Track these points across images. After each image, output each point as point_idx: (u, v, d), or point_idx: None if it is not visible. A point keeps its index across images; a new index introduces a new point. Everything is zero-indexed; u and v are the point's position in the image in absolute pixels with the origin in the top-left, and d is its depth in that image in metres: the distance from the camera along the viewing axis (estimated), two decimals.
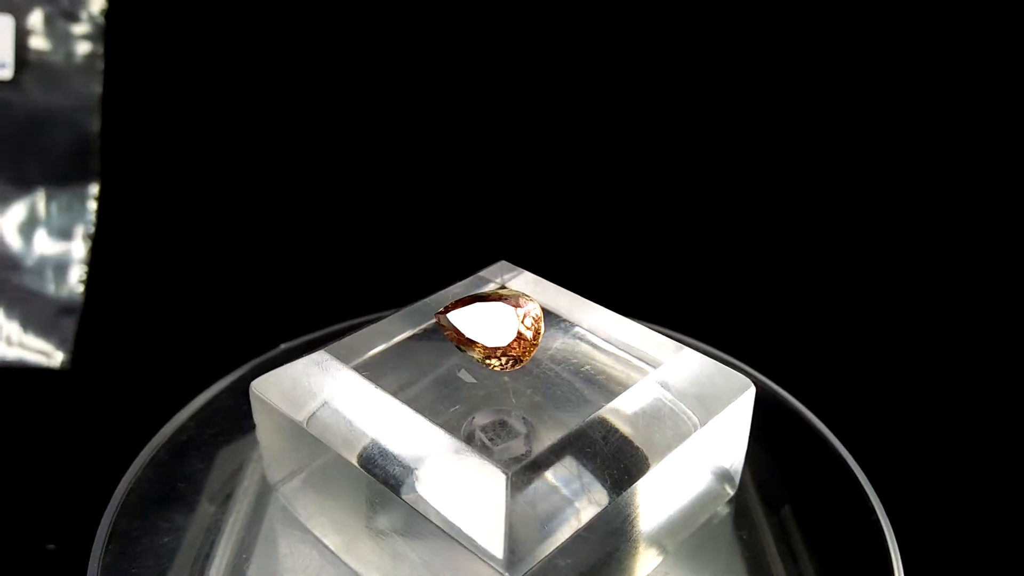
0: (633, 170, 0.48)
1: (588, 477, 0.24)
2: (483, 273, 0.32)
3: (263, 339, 0.36)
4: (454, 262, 0.35)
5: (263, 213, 0.47)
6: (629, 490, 0.24)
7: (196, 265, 0.46)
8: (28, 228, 0.43)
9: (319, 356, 0.27)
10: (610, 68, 0.47)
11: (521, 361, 0.25)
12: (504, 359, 0.25)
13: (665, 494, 0.25)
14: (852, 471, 0.30)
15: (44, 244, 0.43)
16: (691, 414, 0.26)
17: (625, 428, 0.25)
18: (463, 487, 0.23)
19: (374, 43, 0.46)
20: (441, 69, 0.47)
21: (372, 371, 0.27)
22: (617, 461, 0.24)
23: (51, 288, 0.43)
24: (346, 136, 0.47)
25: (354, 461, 0.24)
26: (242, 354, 0.35)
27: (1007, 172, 0.46)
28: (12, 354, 0.42)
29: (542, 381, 0.27)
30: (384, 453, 0.24)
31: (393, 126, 0.47)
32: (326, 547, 0.27)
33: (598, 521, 0.23)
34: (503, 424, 0.25)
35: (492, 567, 0.22)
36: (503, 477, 0.22)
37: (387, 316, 0.30)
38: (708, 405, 0.26)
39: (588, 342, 0.29)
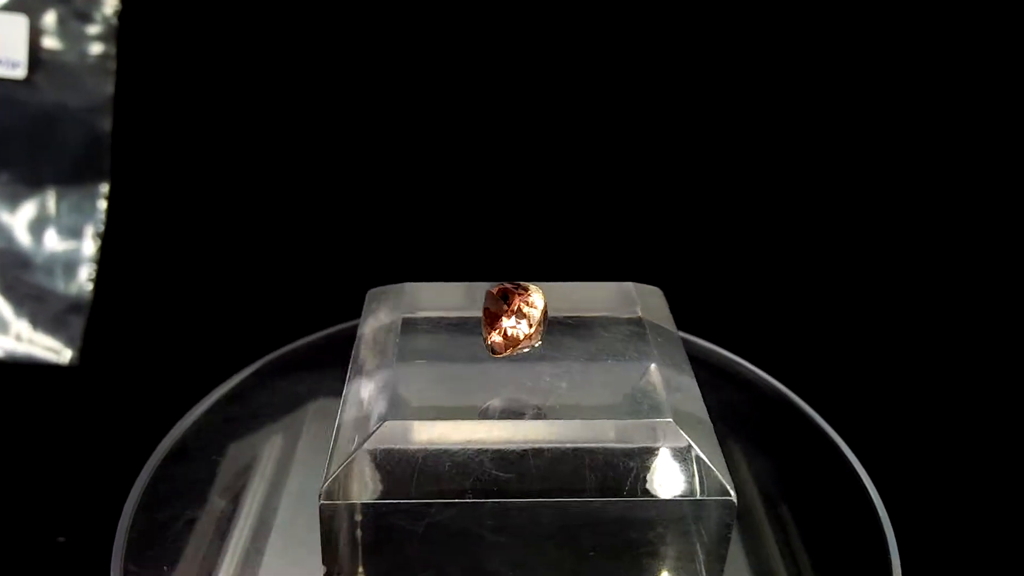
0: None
1: (458, 470, 0.24)
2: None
3: (272, 337, 0.37)
4: None
5: (271, 213, 0.48)
6: (488, 505, 0.24)
7: (205, 263, 0.46)
8: (38, 226, 0.44)
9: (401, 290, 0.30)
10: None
11: (496, 352, 0.26)
12: (489, 344, 0.26)
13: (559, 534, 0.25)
14: (854, 468, 0.30)
15: (54, 242, 0.44)
16: (638, 482, 0.25)
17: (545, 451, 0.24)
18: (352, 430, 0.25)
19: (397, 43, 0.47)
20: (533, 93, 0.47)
21: (431, 328, 0.29)
22: (499, 469, 0.24)
23: (60, 286, 0.43)
24: (367, 130, 0.48)
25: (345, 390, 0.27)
26: (249, 352, 0.36)
27: (1010, 171, 0.47)
28: (22, 350, 0.42)
29: (583, 388, 0.26)
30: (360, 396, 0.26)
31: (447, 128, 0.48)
32: None
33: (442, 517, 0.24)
34: (518, 412, 0.25)
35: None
36: (374, 427, 0.24)
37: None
38: (670, 488, 0.25)
39: (653, 372, 0.28)
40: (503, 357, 0.26)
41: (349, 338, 0.31)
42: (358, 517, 0.24)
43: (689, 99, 0.47)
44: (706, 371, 0.28)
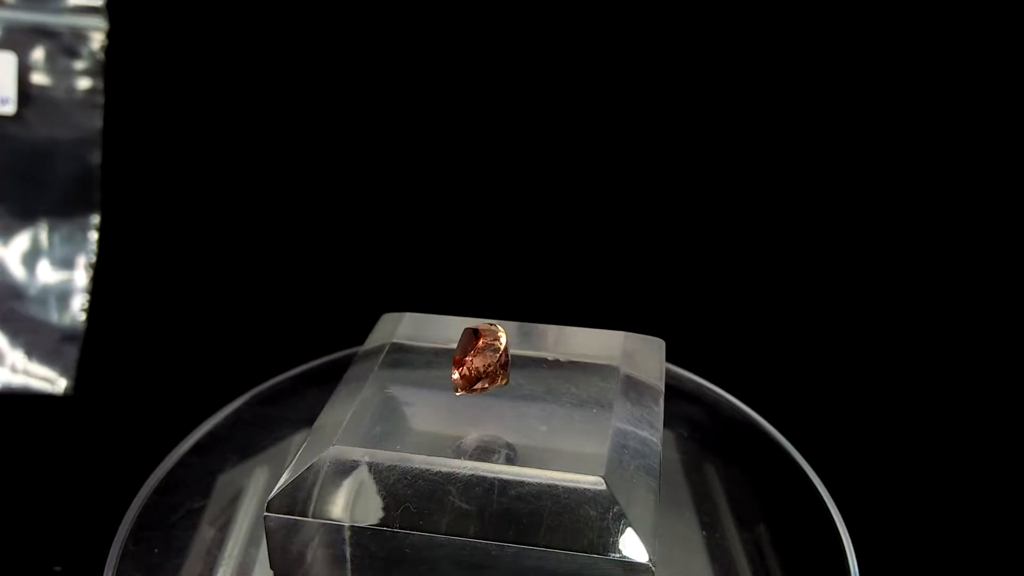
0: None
1: (391, 499, 0.25)
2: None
3: (264, 367, 0.38)
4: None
5: (261, 242, 0.48)
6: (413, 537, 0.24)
7: (197, 292, 0.47)
8: (31, 258, 0.45)
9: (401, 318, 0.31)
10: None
11: (457, 389, 0.27)
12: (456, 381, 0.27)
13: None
14: (819, 491, 0.31)
15: (47, 273, 0.45)
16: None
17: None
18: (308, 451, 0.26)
19: (377, 58, 0.47)
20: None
21: (414, 358, 0.30)
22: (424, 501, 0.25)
23: (54, 316, 0.44)
24: (359, 155, 0.49)
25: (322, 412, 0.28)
26: (242, 382, 0.36)
27: (988, 196, 0.47)
28: (17, 381, 0.43)
29: (530, 433, 0.27)
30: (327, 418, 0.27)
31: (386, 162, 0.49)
32: None
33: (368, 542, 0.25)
34: (487, 449, 0.26)
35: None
36: (322, 450, 0.25)
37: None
38: (586, 543, 0.24)
39: (608, 425, 0.27)
40: (467, 395, 0.27)
41: (335, 368, 0.32)
42: (298, 533, 0.25)
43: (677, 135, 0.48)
44: (680, 397, 0.29)
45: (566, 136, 0.48)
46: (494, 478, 0.25)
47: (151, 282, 0.46)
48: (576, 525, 0.24)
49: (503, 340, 0.27)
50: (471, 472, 0.25)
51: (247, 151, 0.48)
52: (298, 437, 0.34)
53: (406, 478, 0.25)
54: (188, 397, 0.40)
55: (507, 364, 0.27)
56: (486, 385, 0.27)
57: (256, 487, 0.32)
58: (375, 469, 0.25)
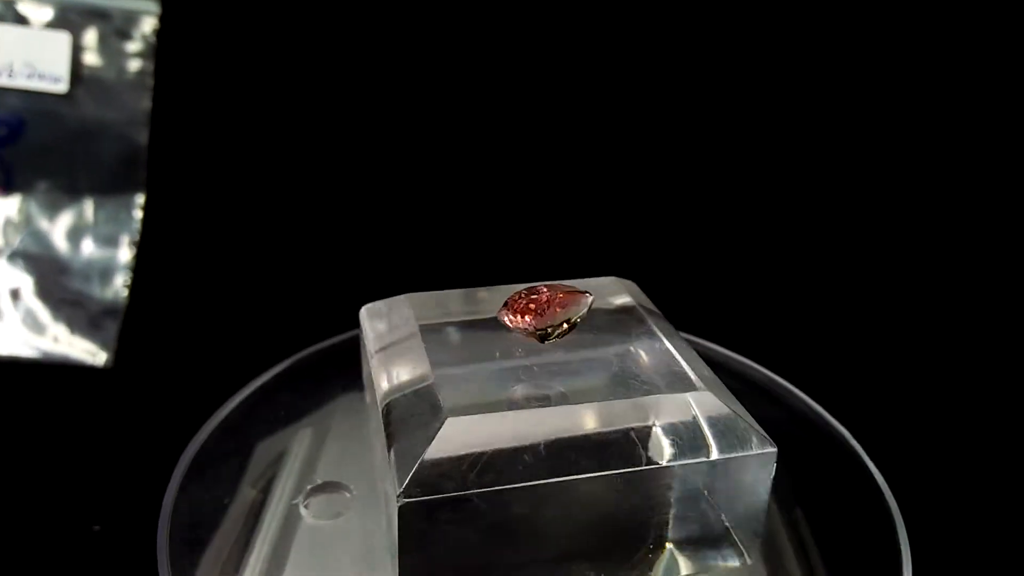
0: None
1: (529, 452, 0.25)
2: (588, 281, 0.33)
3: (299, 341, 0.38)
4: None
5: (300, 222, 0.49)
6: (563, 481, 0.25)
7: (235, 271, 0.48)
8: (76, 234, 0.45)
9: (406, 301, 0.31)
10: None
11: (531, 335, 0.28)
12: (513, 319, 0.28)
13: (622, 512, 0.26)
14: (869, 470, 0.31)
15: (91, 249, 0.45)
16: (688, 448, 0.25)
17: (606, 428, 0.25)
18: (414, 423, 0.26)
19: (433, 60, 0.48)
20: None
21: (441, 333, 0.30)
22: (573, 452, 0.25)
23: (97, 291, 0.45)
24: (402, 139, 0.49)
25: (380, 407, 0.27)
26: (277, 354, 0.37)
27: (1010, 168, 0.48)
28: (59, 352, 0.44)
29: (595, 376, 0.28)
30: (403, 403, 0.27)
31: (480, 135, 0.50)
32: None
33: (521, 498, 0.25)
34: (543, 397, 0.27)
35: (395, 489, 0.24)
36: (444, 417, 0.25)
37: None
38: (714, 445, 0.26)
39: (657, 358, 0.28)
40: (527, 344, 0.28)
41: None
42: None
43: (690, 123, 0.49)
44: (725, 376, 0.29)
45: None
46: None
47: (191, 261, 0.47)
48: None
49: (550, 304, 0.27)
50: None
51: (292, 133, 0.49)
52: (341, 400, 0.34)
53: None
54: (223, 370, 0.41)
55: (546, 325, 0.28)
56: (506, 320, 0.28)
57: (298, 450, 0.33)
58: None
